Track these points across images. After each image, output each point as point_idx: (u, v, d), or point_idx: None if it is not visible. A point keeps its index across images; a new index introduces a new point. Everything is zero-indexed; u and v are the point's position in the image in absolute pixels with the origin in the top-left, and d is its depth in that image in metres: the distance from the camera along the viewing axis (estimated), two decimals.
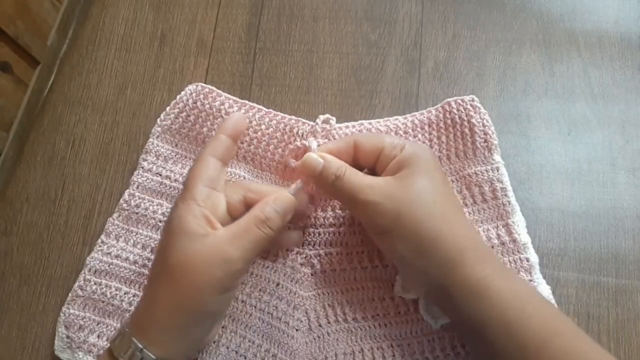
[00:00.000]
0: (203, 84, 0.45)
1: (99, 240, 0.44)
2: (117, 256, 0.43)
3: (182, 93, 0.45)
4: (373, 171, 0.39)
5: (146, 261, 0.43)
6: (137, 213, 0.44)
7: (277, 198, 0.37)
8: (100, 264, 0.43)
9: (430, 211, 0.36)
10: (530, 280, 0.41)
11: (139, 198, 0.45)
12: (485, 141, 0.43)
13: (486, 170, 0.43)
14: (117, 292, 0.43)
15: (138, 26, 0.52)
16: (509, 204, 0.42)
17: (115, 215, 0.45)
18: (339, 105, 0.49)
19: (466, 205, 0.43)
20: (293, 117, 0.45)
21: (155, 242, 0.44)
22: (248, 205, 0.38)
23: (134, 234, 0.44)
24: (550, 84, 0.48)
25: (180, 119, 0.45)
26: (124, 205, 0.44)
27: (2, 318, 0.45)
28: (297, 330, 0.41)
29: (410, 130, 0.44)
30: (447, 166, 0.44)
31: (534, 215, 0.45)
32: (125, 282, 0.43)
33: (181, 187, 0.42)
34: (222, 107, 0.45)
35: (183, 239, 0.35)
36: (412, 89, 0.49)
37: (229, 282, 0.35)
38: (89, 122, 0.49)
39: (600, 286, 0.43)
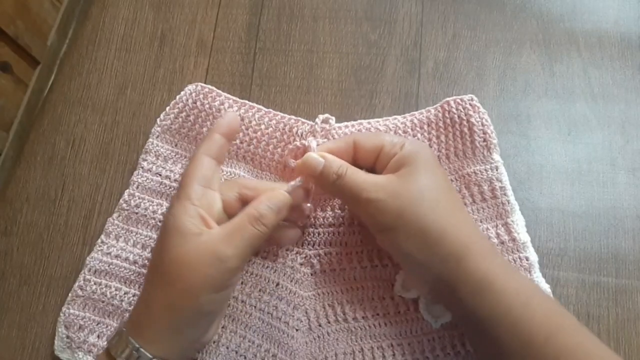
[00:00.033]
0: (203, 84, 0.45)
1: (99, 240, 0.44)
2: (117, 256, 0.43)
3: (182, 93, 0.45)
4: (372, 170, 0.39)
5: (146, 261, 0.43)
6: (137, 213, 0.44)
7: (270, 196, 0.37)
8: (100, 264, 0.43)
9: (434, 207, 0.36)
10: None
11: (139, 198, 0.45)
12: (485, 140, 0.43)
13: (485, 170, 0.43)
14: (117, 292, 0.43)
15: (138, 26, 0.52)
16: (508, 203, 0.42)
17: (115, 215, 0.45)
18: (339, 105, 0.49)
19: (465, 204, 0.43)
20: (292, 117, 0.45)
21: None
22: (244, 202, 0.38)
23: (134, 234, 0.44)
24: (550, 84, 0.48)
25: (180, 119, 0.45)
26: (124, 205, 0.44)
27: (2, 318, 0.45)
28: (297, 330, 0.41)
29: (409, 130, 0.44)
30: (447, 165, 0.44)
31: (534, 215, 0.45)
32: (125, 282, 0.43)
33: None
34: (222, 107, 0.45)
35: (178, 239, 0.35)
36: (412, 89, 0.49)
37: (223, 281, 0.35)
38: (89, 122, 0.49)
39: (600, 286, 0.43)
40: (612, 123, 0.47)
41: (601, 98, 0.48)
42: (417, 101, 0.48)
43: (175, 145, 0.46)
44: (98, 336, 0.42)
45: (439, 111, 0.44)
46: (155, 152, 0.45)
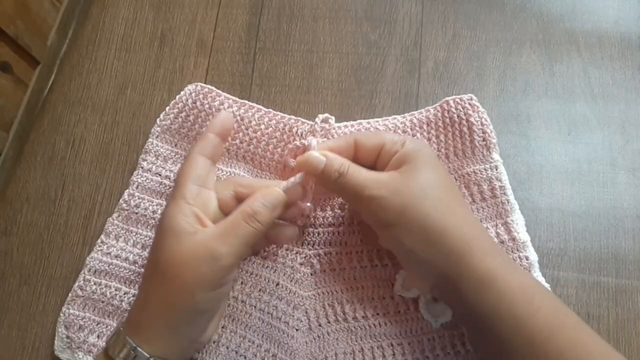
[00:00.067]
0: (202, 84, 0.46)
1: (99, 240, 0.44)
2: (116, 256, 0.43)
3: (182, 93, 0.45)
4: (373, 169, 0.39)
5: (146, 261, 0.43)
6: (136, 213, 0.44)
7: (265, 193, 0.37)
8: (100, 264, 0.43)
9: (436, 204, 0.36)
10: None
11: (139, 198, 0.45)
12: (484, 140, 0.43)
13: (485, 169, 0.43)
14: (117, 292, 0.43)
15: (138, 26, 0.52)
16: (508, 202, 0.42)
17: (115, 215, 0.45)
18: (339, 105, 0.49)
19: None
20: (292, 116, 0.45)
21: None
22: (240, 201, 0.38)
23: (134, 234, 0.44)
24: (550, 84, 0.48)
25: (180, 119, 0.45)
26: (124, 205, 0.44)
27: (2, 318, 0.45)
28: (297, 330, 0.41)
29: (409, 130, 0.44)
30: (446, 165, 0.44)
31: (534, 215, 0.45)
32: (125, 282, 0.43)
33: None
34: (221, 107, 0.45)
35: (173, 238, 0.35)
36: (412, 89, 0.49)
37: (218, 279, 0.35)
38: (89, 122, 0.49)
39: (600, 286, 0.43)
40: (612, 123, 0.47)
41: (601, 98, 0.48)
42: (417, 101, 0.48)
43: (175, 145, 0.46)
44: (98, 336, 0.42)
45: (438, 111, 0.44)
46: (155, 152, 0.45)
